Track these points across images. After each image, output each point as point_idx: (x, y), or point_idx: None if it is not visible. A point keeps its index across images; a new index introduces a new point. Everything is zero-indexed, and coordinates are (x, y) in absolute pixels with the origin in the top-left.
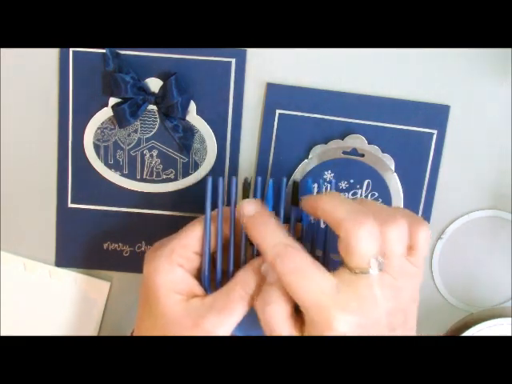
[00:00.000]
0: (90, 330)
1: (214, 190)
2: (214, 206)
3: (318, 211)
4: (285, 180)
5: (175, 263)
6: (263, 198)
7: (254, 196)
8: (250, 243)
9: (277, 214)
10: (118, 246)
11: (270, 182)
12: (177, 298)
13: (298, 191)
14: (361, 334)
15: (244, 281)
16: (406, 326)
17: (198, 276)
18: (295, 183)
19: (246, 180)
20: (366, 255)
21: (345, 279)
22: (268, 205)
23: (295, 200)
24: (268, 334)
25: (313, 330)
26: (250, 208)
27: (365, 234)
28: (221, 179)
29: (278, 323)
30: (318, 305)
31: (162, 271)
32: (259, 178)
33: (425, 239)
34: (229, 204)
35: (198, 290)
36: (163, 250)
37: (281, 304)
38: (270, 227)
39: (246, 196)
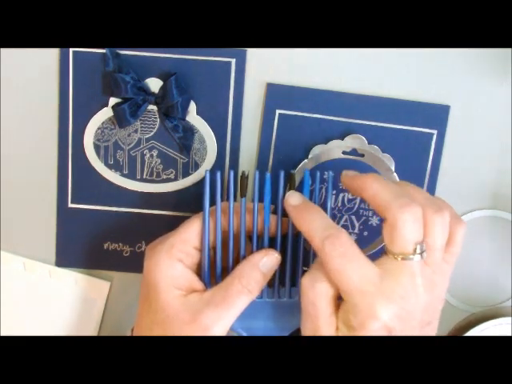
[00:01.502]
0: (90, 329)
1: (211, 184)
2: (213, 201)
3: (365, 192)
4: (282, 173)
5: (175, 258)
6: (261, 191)
7: (253, 190)
8: (249, 238)
9: (275, 206)
10: (118, 246)
11: (268, 175)
12: (176, 293)
13: (294, 183)
14: (396, 327)
15: (242, 275)
16: (432, 326)
17: (199, 271)
18: (291, 175)
19: (243, 173)
20: (410, 240)
21: (387, 268)
22: (266, 198)
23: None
24: (308, 314)
25: (353, 318)
26: (295, 198)
27: (411, 218)
28: (219, 173)
29: (324, 303)
30: (362, 291)
31: (162, 266)
32: (257, 172)
33: (462, 237)
34: (228, 198)
35: (198, 285)
36: (163, 245)
37: (329, 284)
38: (319, 214)
39: (243, 189)
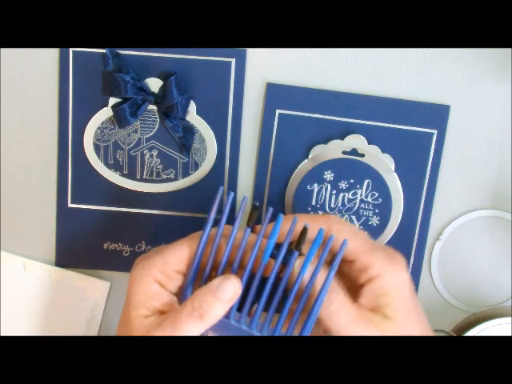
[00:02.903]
0: (90, 329)
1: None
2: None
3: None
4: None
5: (152, 278)
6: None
7: (262, 226)
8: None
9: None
10: (118, 246)
11: (280, 217)
12: (142, 312)
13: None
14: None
15: (195, 298)
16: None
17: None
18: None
19: (254, 205)
20: None
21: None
22: (272, 239)
23: (298, 245)
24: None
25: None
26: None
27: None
28: (231, 195)
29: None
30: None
31: (139, 283)
32: (270, 209)
33: None
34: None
35: (170, 309)
36: (145, 262)
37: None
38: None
39: (251, 221)
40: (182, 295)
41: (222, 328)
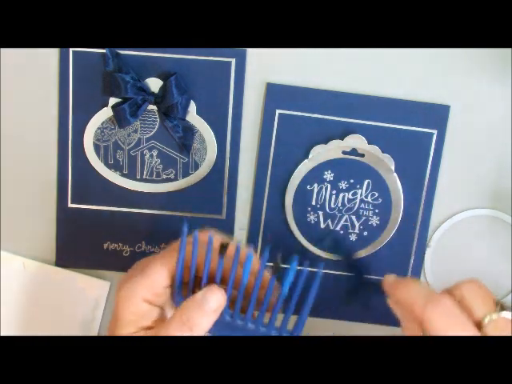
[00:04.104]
0: (90, 329)
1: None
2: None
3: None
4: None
5: (141, 298)
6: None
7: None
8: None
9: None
10: (118, 246)
11: (250, 255)
12: (131, 330)
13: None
14: None
15: (184, 311)
16: None
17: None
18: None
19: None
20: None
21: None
22: (244, 276)
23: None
24: None
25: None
26: (391, 277)
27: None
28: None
29: None
30: None
31: (127, 303)
32: (239, 244)
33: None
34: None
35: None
36: (131, 283)
37: None
38: (417, 284)
39: (223, 252)
40: (173, 301)
41: (217, 326)
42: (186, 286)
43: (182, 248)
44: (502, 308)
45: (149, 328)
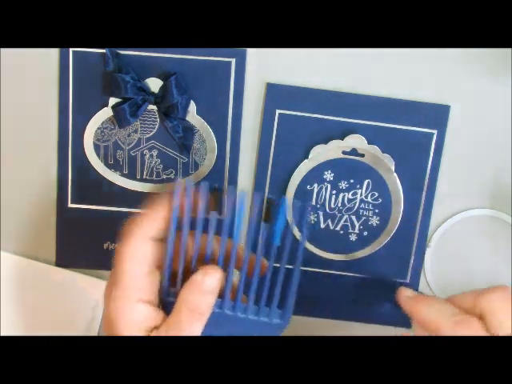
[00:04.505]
0: (90, 329)
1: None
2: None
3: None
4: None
5: (133, 300)
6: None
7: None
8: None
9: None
10: None
11: (242, 193)
12: (137, 334)
13: (270, 208)
14: None
15: (188, 300)
16: None
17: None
18: (269, 200)
19: (212, 187)
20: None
21: None
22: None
23: (267, 217)
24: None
25: None
26: (409, 291)
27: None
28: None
29: None
30: None
31: (124, 312)
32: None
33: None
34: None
35: (160, 319)
36: (118, 288)
37: None
38: (440, 301)
39: (215, 203)
40: (162, 292)
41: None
42: (174, 277)
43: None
44: None
45: (154, 327)
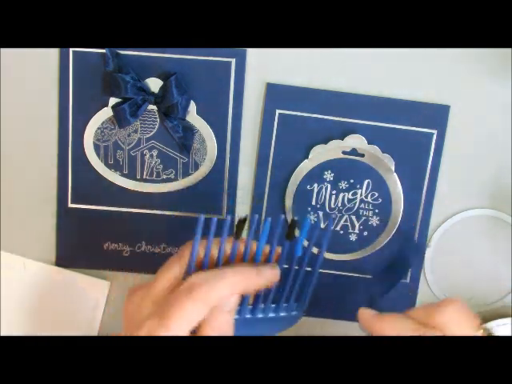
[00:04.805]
0: (90, 329)
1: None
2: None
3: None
4: (282, 217)
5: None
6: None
7: (249, 232)
8: None
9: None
10: (118, 246)
11: (267, 221)
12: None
13: (294, 227)
14: None
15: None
16: None
17: None
18: (292, 220)
19: (240, 218)
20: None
21: None
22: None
23: (290, 235)
24: None
25: None
26: (368, 311)
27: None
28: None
29: None
30: None
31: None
32: (256, 216)
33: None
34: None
35: None
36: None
37: None
38: (399, 319)
39: (239, 232)
40: None
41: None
42: None
43: (195, 242)
44: (488, 333)
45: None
